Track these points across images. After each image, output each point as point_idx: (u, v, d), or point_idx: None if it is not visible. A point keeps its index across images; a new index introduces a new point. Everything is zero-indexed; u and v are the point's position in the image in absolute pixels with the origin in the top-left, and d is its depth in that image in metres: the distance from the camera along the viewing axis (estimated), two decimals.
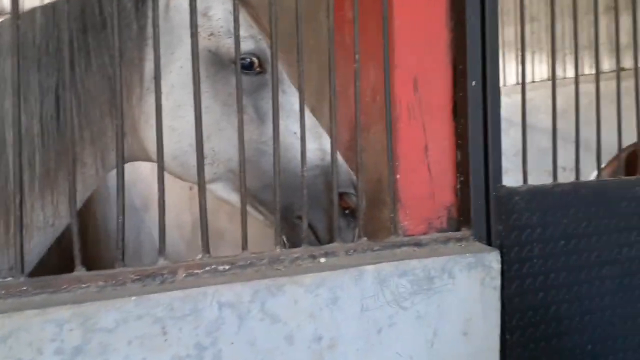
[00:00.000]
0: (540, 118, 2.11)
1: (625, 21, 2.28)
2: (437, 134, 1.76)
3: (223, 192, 1.62)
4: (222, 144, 1.57)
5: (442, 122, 1.77)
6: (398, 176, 1.69)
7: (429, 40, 1.76)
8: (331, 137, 1.59)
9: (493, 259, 1.63)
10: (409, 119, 1.73)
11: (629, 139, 2.23)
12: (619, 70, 2.14)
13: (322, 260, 1.52)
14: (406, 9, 1.72)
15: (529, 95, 2.13)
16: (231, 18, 1.51)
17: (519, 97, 1.90)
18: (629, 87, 2.12)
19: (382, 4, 1.65)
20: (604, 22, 2.12)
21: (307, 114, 1.63)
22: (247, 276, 1.41)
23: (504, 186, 1.75)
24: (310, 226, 1.56)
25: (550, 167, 1.88)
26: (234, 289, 1.35)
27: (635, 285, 1.94)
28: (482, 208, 1.72)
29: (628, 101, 2.14)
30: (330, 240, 1.57)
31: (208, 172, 1.52)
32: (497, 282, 1.62)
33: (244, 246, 1.46)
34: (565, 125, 2.06)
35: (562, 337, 1.76)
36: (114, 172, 1.44)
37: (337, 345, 1.44)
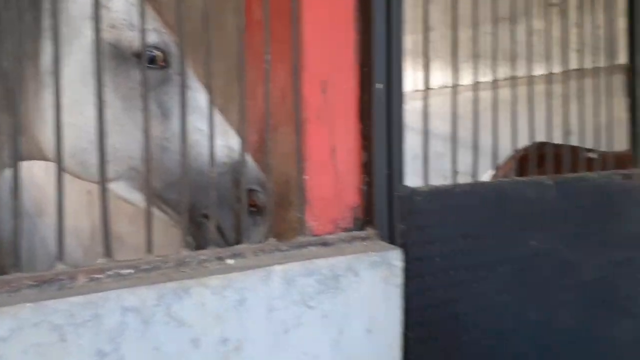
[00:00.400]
0: (436, 124, 2.23)
1: (520, 31, 2.46)
2: (344, 135, 1.86)
3: (124, 192, 1.63)
4: (123, 141, 1.57)
5: (348, 124, 1.87)
6: (306, 177, 1.77)
7: (337, 43, 1.86)
8: (241, 135, 1.64)
9: (396, 258, 1.75)
10: (317, 120, 1.82)
11: (521, 143, 2.44)
12: (514, 78, 2.32)
13: (230, 261, 1.57)
14: (315, 12, 1.81)
15: (429, 101, 2.26)
16: (132, 10, 1.53)
17: (416, 103, 2.05)
18: (521, 95, 2.31)
19: (291, 6, 1.73)
20: (502, 31, 2.29)
21: (214, 111, 1.67)
22: (152, 279, 1.43)
23: (407, 186, 1.88)
24: (217, 225, 1.60)
25: (445, 171, 2.05)
26: (137, 293, 1.37)
27: (528, 282, 2.14)
28: (386, 208, 1.84)
29: (520, 107, 2.34)
30: (238, 240, 1.63)
31: (109, 170, 1.53)
32: (400, 280, 1.75)
33: (149, 249, 1.49)
34: (461, 131, 2.18)
35: (460, 332, 1.92)
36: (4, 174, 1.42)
37: (243, 347, 1.50)
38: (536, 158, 2.58)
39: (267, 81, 1.67)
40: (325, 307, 1.61)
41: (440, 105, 2.20)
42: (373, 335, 1.69)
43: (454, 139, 2.04)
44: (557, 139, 2.44)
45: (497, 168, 2.56)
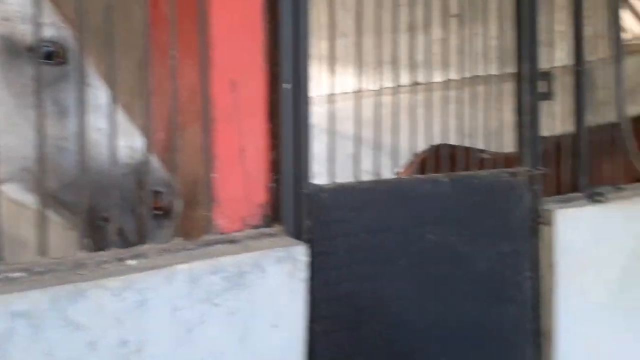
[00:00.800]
0: (348, 126, 2.21)
1: (421, 40, 2.46)
2: (253, 134, 1.75)
3: (17, 193, 1.44)
4: (16, 140, 1.39)
5: (257, 123, 1.76)
6: (214, 176, 1.65)
7: (246, 43, 1.74)
8: (145, 134, 1.49)
9: (301, 253, 1.67)
10: (226, 119, 1.70)
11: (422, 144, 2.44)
12: (414, 84, 2.33)
13: (131, 262, 1.42)
14: (224, 11, 1.68)
15: (338, 105, 2.25)
16: (27, 2, 1.34)
17: (330, 106, 2.01)
18: (422, 100, 2.32)
19: (199, 4, 1.59)
20: (404, 40, 2.30)
21: (117, 110, 1.51)
22: (46, 282, 1.27)
23: (313, 184, 1.80)
24: (118, 228, 1.45)
25: (357, 171, 1.99)
26: (29, 296, 1.21)
27: (426, 274, 2.12)
28: (293, 205, 1.75)
29: (421, 111, 2.35)
30: (141, 242, 1.48)
31: (0, 172, 1.34)
32: (305, 274, 1.66)
33: (42, 251, 1.31)
34: (370, 133, 2.20)
35: (363, 324, 1.86)
36: None
37: (144, 348, 1.36)
38: (435, 159, 2.62)
39: (173, 78, 1.53)
40: (231, 304, 1.50)
41: (351, 108, 2.16)
42: (278, 330, 1.59)
43: (359, 140, 1.98)
44: (454, 141, 2.47)
45: (402, 168, 2.55)
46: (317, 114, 1.93)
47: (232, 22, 1.70)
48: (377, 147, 2.11)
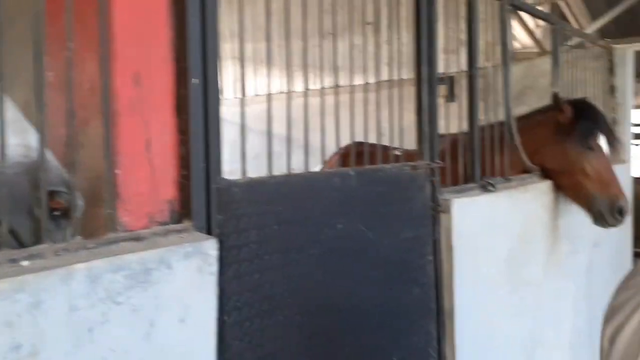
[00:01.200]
0: (275, 126, 2.16)
1: (341, 45, 2.42)
2: (160, 129, 1.59)
3: None
4: None
5: (164, 118, 1.60)
6: (118, 172, 1.47)
7: (151, 36, 1.58)
8: (40, 131, 1.30)
9: (210, 247, 1.53)
10: (130, 113, 1.53)
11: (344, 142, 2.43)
12: (336, 86, 2.32)
13: (25, 263, 1.23)
14: (126, 2, 1.50)
15: (266, 106, 2.18)
16: None
17: (258, 106, 1.93)
18: (344, 102, 2.34)
19: None
20: (327, 45, 2.28)
21: (9, 105, 1.30)
22: None
23: (225, 179, 1.67)
24: (11, 231, 1.25)
25: (283, 169, 1.91)
26: None
27: (335, 261, 2.04)
28: (203, 200, 1.61)
29: (343, 113, 2.36)
30: (37, 243, 1.29)
31: None
32: (214, 268, 1.53)
33: None
34: (295, 133, 2.13)
35: (275, 312, 1.76)
36: None
37: (40, 351, 1.18)
38: (354, 155, 2.62)
39: (69, 70, 1.35)
40: (134, 301, 1.34)
41: (279, 108, 2.09)
42: (187, 324, 1.45)
43: (270, 137, 1.87)
44: (372, 140, 2.48)
45: (324, 164, 2.50)
46: (248, 113, 1.90)
47: (136, 14, 1.53)
48: (303, 145, 2.08)
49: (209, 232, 1.61)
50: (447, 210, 2.65)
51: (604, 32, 7.99)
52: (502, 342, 3.05)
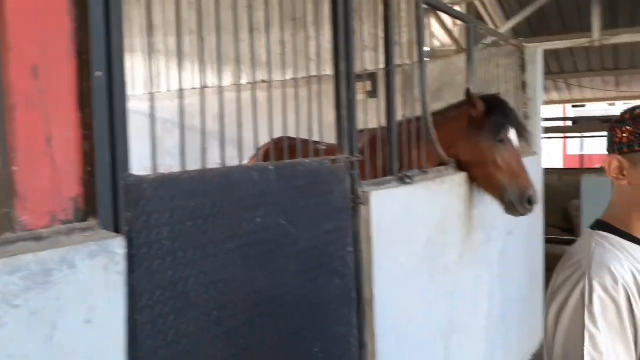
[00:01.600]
0: (198, 121, 2.15)
1: (262, 41, 2.43)
2: (62, 124, 1.52)
3: None
4: None
5: (67, 112, 1.54)
6: (15, 169, 1.40)
7: (50, 26, 1.51)
8: None
9: (117, 245, 1.49)
10: (28, 108, 1.45)
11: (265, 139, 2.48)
12: (255, 82, 2.34)
13: None
14: None
15: (189, 100, 2.17)
16: None
17: (185, 101, 1.95)
18: (265, 96, 2.40)
19: None
20: (247, 41, 2.29)
21: None
22: None
23: (133, 175, 1.63)
24: None
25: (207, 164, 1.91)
26: None
27: (254, 255, 2.05)
28: (110, 197, 1.56)
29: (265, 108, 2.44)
30: None
31: None
32: (122, 267, 1.49)
33: None
34: (218, 128, 2.15)
35: (190, 308, 1.74)
36: None
37: None
38: (277, 150, 2.65)
39: None
40: (33, 304, 1.28)
41: (205, 104, 2.08)
42: (93, 325, 1.41)
43: (182, 131, 1.84)
44: (295, 135, 2.53)
45: (247, 160, 2.50)
46: (169, 108, 1.87)
47: (32, 2, 1.45)
48: (225, 141, 2.09)
49: (116, 230, 1.56)
50: (367, 203, 2.72)
51: (517, 32, 8.49)
52: (421, 327, 3.18)
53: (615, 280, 1.41)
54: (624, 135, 1.53)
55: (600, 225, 1.61)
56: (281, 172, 2.21)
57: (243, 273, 1.98)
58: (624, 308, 1.39)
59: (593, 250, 1.50)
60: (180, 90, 1.96)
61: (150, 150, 1.75)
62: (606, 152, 1.62)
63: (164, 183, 1.70)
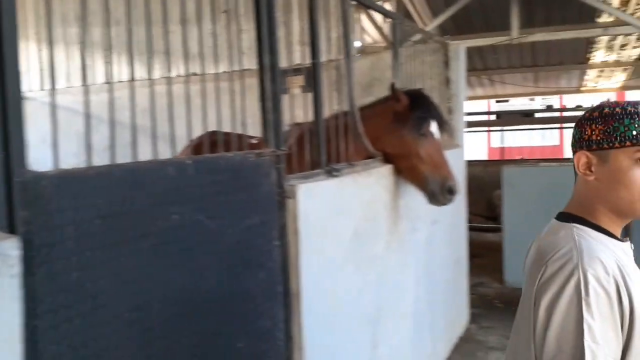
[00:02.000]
0: (126, 115, 2.03)
1: (193, 32, 2.33)
2: None
3: None
4: None
5: None
6: None
7: None
8: None
9: (11, 247, 1.37)
10: None
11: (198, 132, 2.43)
12: (189, 75, 2.25)
13: None
14: None
15: (117, 94, 2.05)
16: None
17: (107, 95, 1.84)
18: (197, 90, 2.29)
19: None
20: (178, 32, 2.19)
21: None
22: None
23: (30, 171, 1.50)
24: None
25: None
26: None
27: (171, 253, 1.96)
28: (3, 195, 1.43)
29: (197, 102, 2.33)
30: None
31: None
32: (16, 270, 1.37)
33: None
34: (147, 122, 2.04)
35: (98, 310, 1.63)
36: None
37: None
38: (208, 144, 2.57)
39: None
40: None
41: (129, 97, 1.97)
42: None
43: (113, 126, 1.72)
44: (228, 129, 2.48)
45: (178, 155, 2.40)
46: (94, 102, 1.76)
47: None
48: (155, 135, 1.99)
49: (11, 230, 1.43)
50: (293, 196, 2.68)
51: (444, 29, 8.73)
52: (349, 315, 3.20)
53: (607, 271, 1.41)
54: (594, 133, 1.53)
55: (571, 218, 1.59)
56: (200, 166, 2.13)
57: (158, 272, 1.89)
58: (615, 298, 1.39)
59: (579, 243, 1.48)
60: (109, 83, 1.84)
61: (52, 144, 1.61)
62: (571, 148, 1.60)
63: (66, 179, 1.58)
